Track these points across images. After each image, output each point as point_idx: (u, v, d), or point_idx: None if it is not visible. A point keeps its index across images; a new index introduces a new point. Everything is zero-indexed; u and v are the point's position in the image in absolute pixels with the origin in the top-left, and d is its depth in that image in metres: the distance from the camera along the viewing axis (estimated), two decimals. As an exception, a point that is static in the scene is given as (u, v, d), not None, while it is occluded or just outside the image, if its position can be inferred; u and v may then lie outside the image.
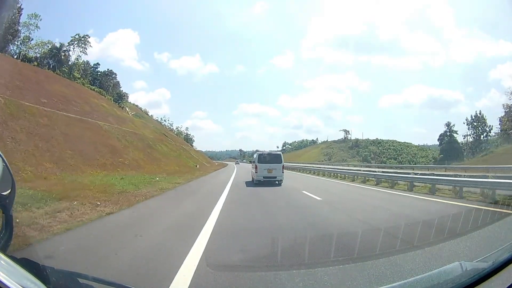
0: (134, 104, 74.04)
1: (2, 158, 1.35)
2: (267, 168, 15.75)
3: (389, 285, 1.87)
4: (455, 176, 13.69)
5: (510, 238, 4.99)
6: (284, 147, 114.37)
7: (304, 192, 11.90)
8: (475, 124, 55.33)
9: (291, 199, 10.05)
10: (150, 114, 78.05)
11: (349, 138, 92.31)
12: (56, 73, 43.25)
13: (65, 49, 52.27)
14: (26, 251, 3.56)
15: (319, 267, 3.23)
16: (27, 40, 47.45)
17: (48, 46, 49.95)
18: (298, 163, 59.89)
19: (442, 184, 11.47)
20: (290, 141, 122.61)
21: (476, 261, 1.75)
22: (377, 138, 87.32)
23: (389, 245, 4.10)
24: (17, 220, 4.75)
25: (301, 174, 30.76)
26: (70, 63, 52.38)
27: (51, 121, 22.60)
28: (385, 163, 62.90)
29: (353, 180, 18.87)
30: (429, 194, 11.16)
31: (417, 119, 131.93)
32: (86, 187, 9.41)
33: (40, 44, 49.18)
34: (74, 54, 53.66)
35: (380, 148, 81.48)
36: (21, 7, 44.95)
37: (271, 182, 15.54)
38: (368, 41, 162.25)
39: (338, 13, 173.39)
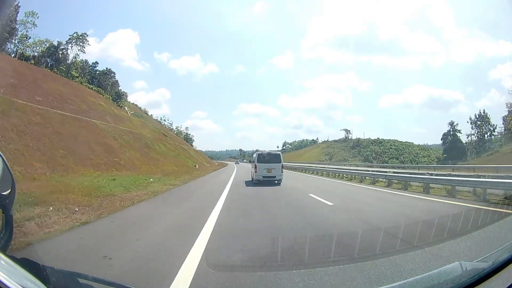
0: (133, 103, 73.60)
1: (2, 158, 1.35)
2: (266, 168, 15.81)
3: (389, 285, 1.86)
4: (477, 176, 12.69)
5: (510, 238, 4.96)
6: (284, 147, 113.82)
7: (311, 195, 10.69)
8: (479, 123, 54.54)
9: (298, 206, 8.82)
10: (150, 114, 77.53)
11: (350, 137, 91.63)
12: (54, 72, 42.61)
13: (63, 47, 51.78)
14: (26, 251, 3.54)
15: (319, 267, 3.21)
16: (25, 38, 46.93)
17: (46, 45, 49.44)
18: (299, 163, 59.18)
19: (463, 186, 10.49)
20: (290, 141, 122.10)
21: (476, 261, 1.73)
22: (378, 138, 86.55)
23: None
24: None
25: (303, 175, 29.88)
26: (68, 61, 51.85)
27: (44, 120, 21.90)
28: (386, 163, 62.14)
29: (360, 181, 17.80)
30: (448, 196, 10.17)
31: (417, 119, 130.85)
32: (71, 190, 8.59)
33: (37, 43, 48.70)
34: (72, 53, 53.16)
35: (381, 147, 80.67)
36: (18, 4, 44.43)
37: (270, 181, 15.55)
38: (368, 41, 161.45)
39: (338, 13, 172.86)
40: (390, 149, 78.71)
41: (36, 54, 48.23)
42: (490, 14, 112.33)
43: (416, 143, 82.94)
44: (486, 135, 54.41)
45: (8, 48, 44.50)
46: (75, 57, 53.39)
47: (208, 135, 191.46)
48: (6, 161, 1.36)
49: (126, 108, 56.91)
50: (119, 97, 56.16)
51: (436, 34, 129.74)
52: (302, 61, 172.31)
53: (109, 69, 59.95)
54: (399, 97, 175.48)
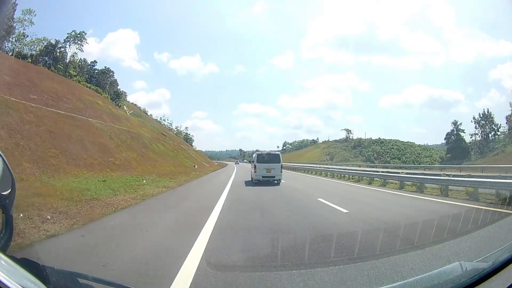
0: (133, 103, 72.89)
1: (2, 157, 1.34)
2: (265, 168, 15.92)
3: (389, 285, 1.87)
4: (500, 177, 11.74)
5: (510, 238, 4.93)
6: (285, 147, 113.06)
7: (320, 200, 9.42)
8: (482, 122, 53.73)
9: (309, 215, 7.04)
10: (149, 114, 76.84)
11: (351, 137, 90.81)
12: (51, 71, 41.89)
13: (60, 46, 51.07)
14: (26, 251, 3.46)
15: (319, 267, 3.18)
16: (22, 37, 46.23)
17: (43, 43, 48.76)
18: (300, 163, 58.46)
19: (489, 188, 9.55)
20: (290, 141, 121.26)
21: (476, 261, 1.72)
22: (379, 138, 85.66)
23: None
24: None
25: (306, 175, 29.01)
26: (66, 60, 51.12)
27: (37, 118, 21.16)
28: (388, 163, 61.35)
29: (369, 183, 16.81)
30: (470, 200, 9.27)
31: (417, 119, 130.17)
32: (52, 193, 7.79)
33: (35, 41, 48.02)
34: (70, 52, 52.50)
35: (383, 147, 79.81)
36: (16, 2, 43.76)
37: (269, 181, 15.62)
38: (368, 41, 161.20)
39: (338, 13, 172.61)
40: (392, 149, 77.84)
41: (33, 52, 47.59)
42: (490, 14, 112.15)
43: (416, 143, 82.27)
44: (490, 135, 53.65)
45: (5, 47, 43.91)
46: (73, 56, 52.74)
47: (208, 135, 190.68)
48: (6, 161, 1.36)
49: (125, 108, 56.19)
50: (117, 96, 55.38)
51: (436, 34, 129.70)
52: (302, 61, 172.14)
53: (108, 68, 59.21)
54: (399, 97, 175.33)
